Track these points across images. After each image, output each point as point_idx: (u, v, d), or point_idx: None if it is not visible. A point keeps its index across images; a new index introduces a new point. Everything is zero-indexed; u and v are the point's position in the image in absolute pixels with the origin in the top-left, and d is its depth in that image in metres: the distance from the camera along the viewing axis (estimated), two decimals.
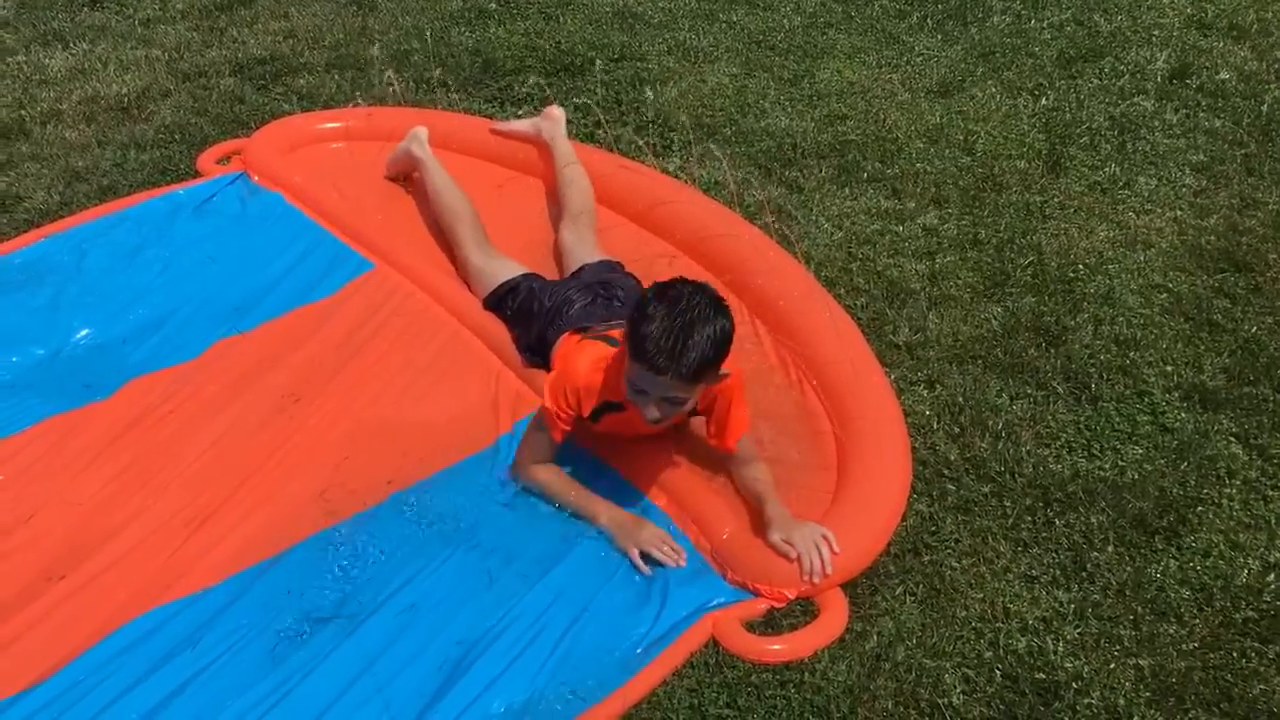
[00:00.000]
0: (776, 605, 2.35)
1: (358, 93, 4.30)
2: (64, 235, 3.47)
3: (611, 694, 2.18)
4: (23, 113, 4.18)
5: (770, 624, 2.32)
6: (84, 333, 3.15)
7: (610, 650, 2.29)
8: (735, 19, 4.85)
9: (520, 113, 4.14)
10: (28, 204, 3.69)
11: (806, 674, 2.20)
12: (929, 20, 4.75)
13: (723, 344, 2.38)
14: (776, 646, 2.26)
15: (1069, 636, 2.26)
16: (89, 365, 3.05)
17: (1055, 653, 2.22)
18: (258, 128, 4.03)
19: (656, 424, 2.46)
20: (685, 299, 2.35)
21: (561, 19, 4.90)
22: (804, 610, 2.34)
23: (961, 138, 3.91)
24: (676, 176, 3.71)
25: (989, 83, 4.25)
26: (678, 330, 2.31)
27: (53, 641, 2.34)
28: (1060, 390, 2.84)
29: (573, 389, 2.54)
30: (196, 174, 3.84)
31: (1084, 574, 2.38)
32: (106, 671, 2.27)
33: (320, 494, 2.66)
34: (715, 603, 2.36)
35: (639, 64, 4.51)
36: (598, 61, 4.46)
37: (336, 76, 4.47)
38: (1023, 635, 2.26)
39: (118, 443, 2.80)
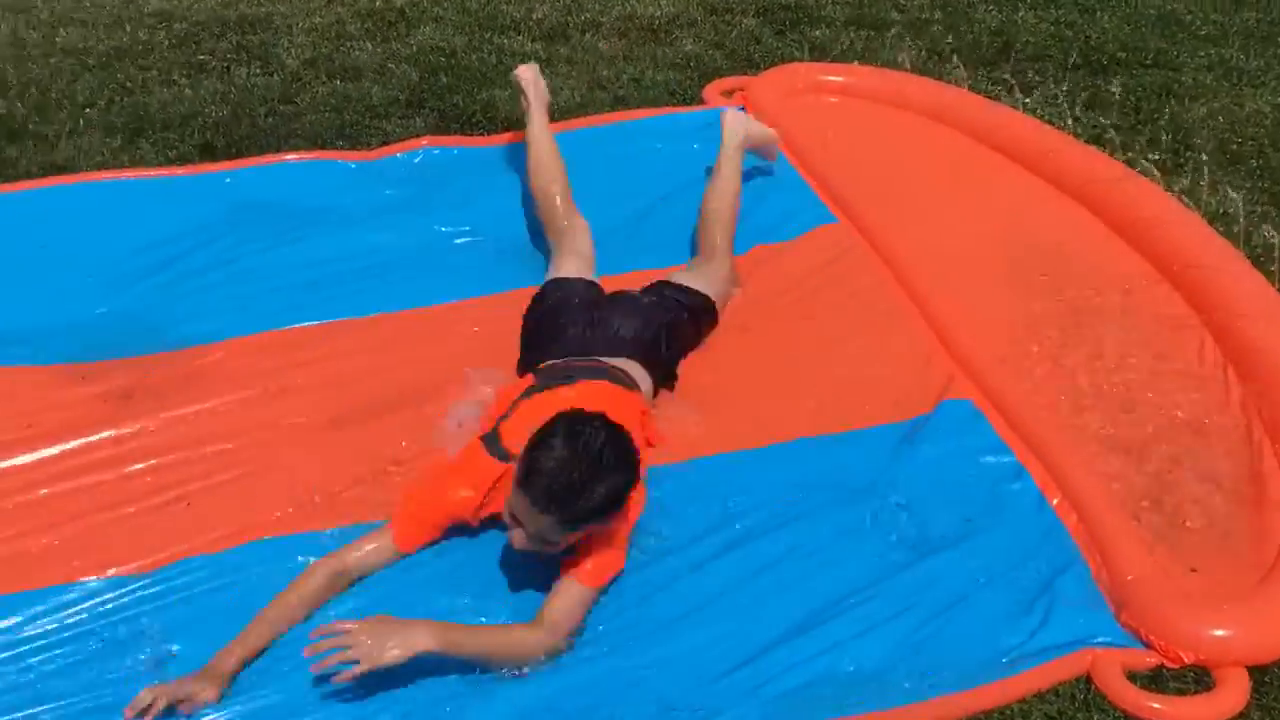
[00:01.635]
0: (1168, 664, 2.16)
1: (868, 53, 4.34)
2: (572, 133, 3.80)
3: (966, 690, 2.12)
4: (568, 19, 4.63)
5: (1155, 680, 2.14)
6: None
7: (975, 649, 2.21)
8: None
9: (1028, 100, 4.00)
10: (554, 100, 4.09)
11: None
12: None
13: (616, 502, 2.15)
14: (1156, 705, 2.08)
15: None
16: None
17: None
18: (766, 69, 4.19)
19: (522, 553, 2.21)
20: (592, 441, 2.10)
21: (1098, 13, 4.64)
22: (1197, 679, 2.13)
23: None
24: (1179, 198, 3.43)
25: None
26: (574, 475, 2.07)
27: None
28: None
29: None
30: (700, 101, 4.06)
31: None
32: None
33: (752, 417, 2.77)
34: (1099, 640, 2.20)
35: (1171, 74, 4.18)
36: (1125, 62, 4.19)
37: (852, 33, 4.54)
38: None
39: None
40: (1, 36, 4.37)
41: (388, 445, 2.64)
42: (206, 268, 3.20)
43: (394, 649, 2.00)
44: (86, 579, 2.32)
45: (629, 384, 2.63)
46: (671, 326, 2.87)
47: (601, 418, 2.18)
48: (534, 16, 4.60)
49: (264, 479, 2.56)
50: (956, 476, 2.61)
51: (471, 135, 3.81)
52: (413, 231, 3.36)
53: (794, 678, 2.16)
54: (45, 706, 2.09)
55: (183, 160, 3.66)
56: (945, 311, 3.05)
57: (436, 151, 3.69)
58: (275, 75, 4.17)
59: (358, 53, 4.33)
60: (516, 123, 3.65)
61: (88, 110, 3.91)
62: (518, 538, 2.18)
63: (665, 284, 3.00)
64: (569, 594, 2.21)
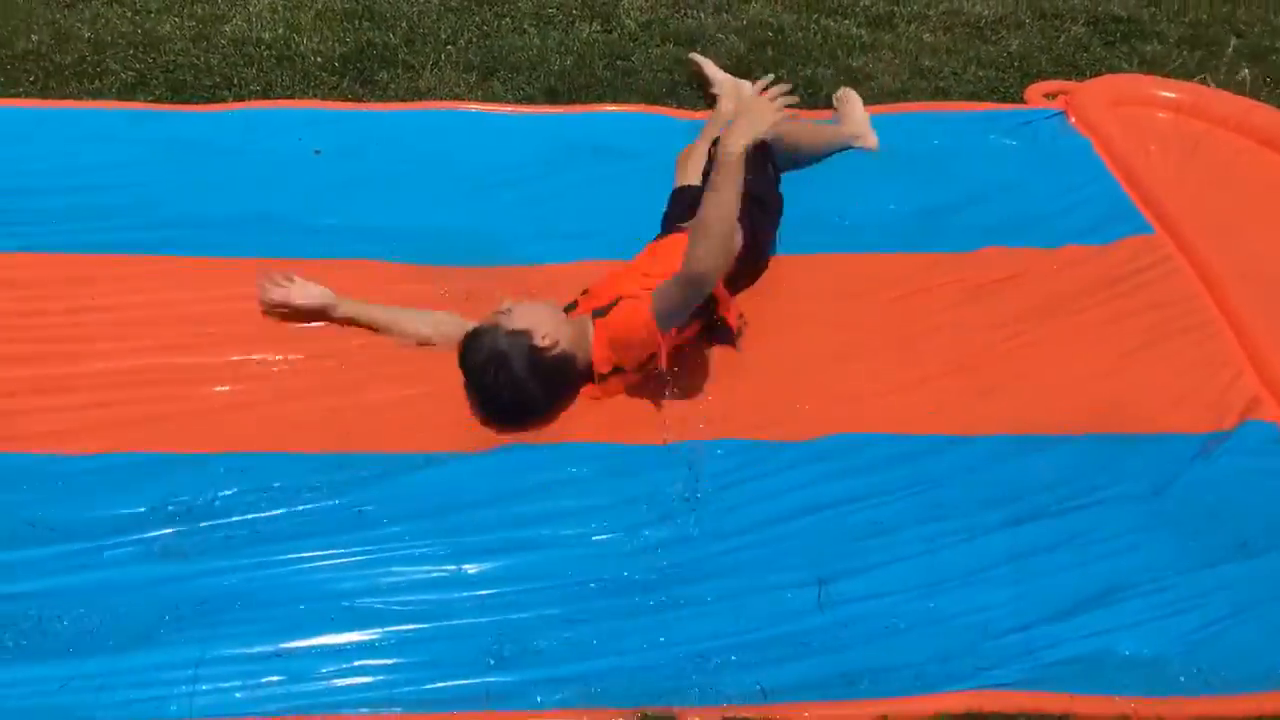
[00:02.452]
0: None
1: (1205, 74, 4.24)
2: (892, 116, 3.91)
3: (1243, 694, 2.13)
4: (895, 9, 4.71)
5: None
6: None
7: (1256, 660, 2.22)
8: None
9: None
10: (873, 84, 4.20)
11: None
12: None
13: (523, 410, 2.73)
14: None
15: None
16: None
17: None
18: (1091, 76, 4.16)
19: None
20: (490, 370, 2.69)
21: None
22: None
23: None
24: None
25: None
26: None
27: None
28: None
29: None
30: (1021, 101, 4.08)
31: None
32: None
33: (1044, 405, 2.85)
34: None
35: None
36: None
37: (1185, 52, 4.42)
38: None
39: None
40: None
41: None
42: (546, 197, 3.50)
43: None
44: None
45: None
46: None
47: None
48: (862, 3, 4.72)
49: None
50: (1249, 495, 2.60)
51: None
52: None
53: (1065, 650, 2.25)
54: None
55: (529, 100, 4.00)
56: (1259, 332, 3.00)
57: None
58: (614, 33, 4.46)
59: (691, 21, 4.57)
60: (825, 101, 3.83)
61: (449, 47, 4.31)
62: None
63: None
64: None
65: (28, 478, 2.54)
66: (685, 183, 3.39)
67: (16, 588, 2.31)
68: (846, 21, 4.60)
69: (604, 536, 2.47)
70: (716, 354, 2.95)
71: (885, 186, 3.57)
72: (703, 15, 4.62)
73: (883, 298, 3.17)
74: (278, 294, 2.97)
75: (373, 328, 2.99)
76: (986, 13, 4.70)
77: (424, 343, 2.95)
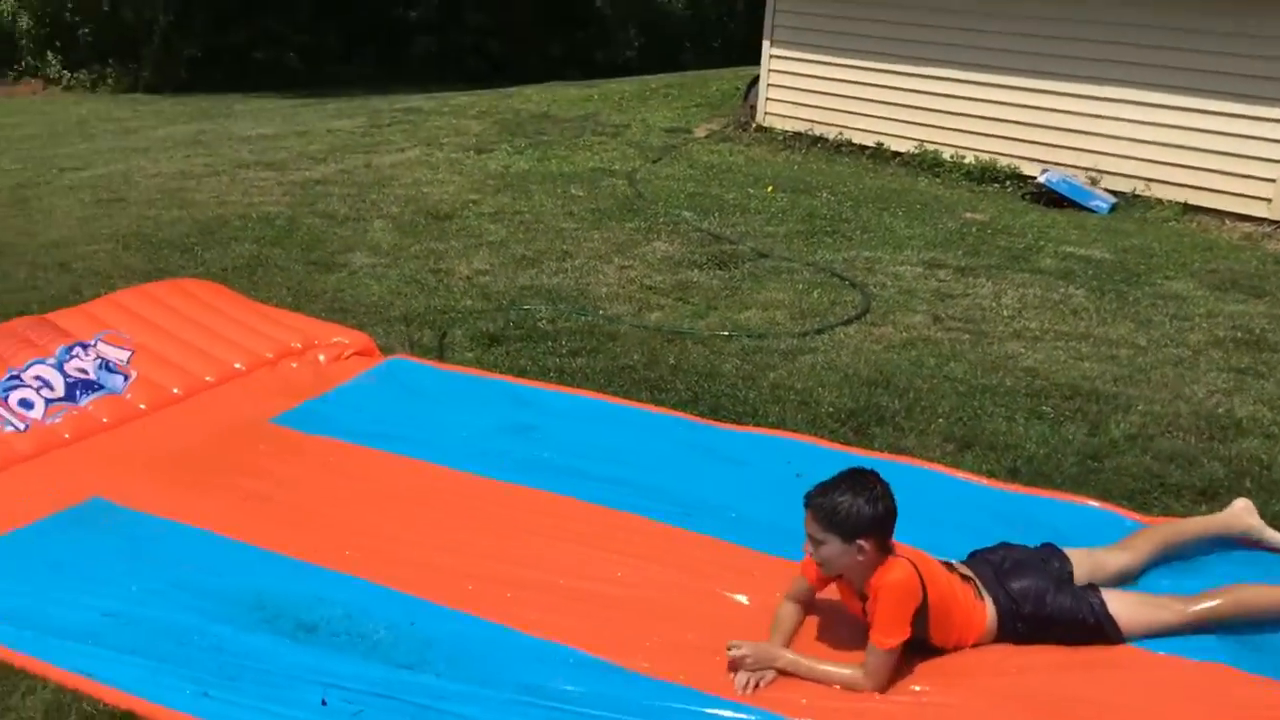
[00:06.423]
0: None
1: None
2: None
3: None
4: None
5: None
6: None
7: None
8: None
9: None
10: None
11: None
12: None
13: (851, 512, 3.18)
14: None
15: None
16: None
17: None
18: None
19: (821, 570, 3.37)
20: (866, 476, 3.27)
21: None
22: None
23: None
24: None
25: None
26: (831, 483, 3.24)
27: None
28: None
29: None
30: None
31: None
32: None
33: None
34: None
35: None
36: None
37: None
38: None
39: None
40: (904, 364, 5.76)
41: None
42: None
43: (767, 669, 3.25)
44: None
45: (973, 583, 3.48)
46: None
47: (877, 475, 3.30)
48: None
49: None
50: None
51: None
52: None
53: None
54: None
55: (990, 475, 4.53)
56: None
57: None
58: (1098, 439, 4.88)
59: (1178, 440, 4.85)
60: None
61: (940, 420, 5.02)
62: (806, 547, 3.33)
63: (1089, 588, 3.48)
64: (871, 655, 3.20)
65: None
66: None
67: None
68: None
69: None
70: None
71: None
72: (1191, 438, 4.88)
73: None
74: (752, 678, 3.27)
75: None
76: None
77: None
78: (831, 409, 5.13)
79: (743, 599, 3.68)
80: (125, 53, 18.03)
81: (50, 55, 17.99)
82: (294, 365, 5.46)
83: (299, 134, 11.90)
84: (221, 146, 11.26)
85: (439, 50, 21.11)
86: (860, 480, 3.26)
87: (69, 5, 17.85)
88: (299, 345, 5.57)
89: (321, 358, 5.53)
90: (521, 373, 5.49)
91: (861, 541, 3.21)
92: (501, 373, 5.46)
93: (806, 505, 3.27)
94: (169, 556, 3.81)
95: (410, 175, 9.72)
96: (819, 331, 6.13)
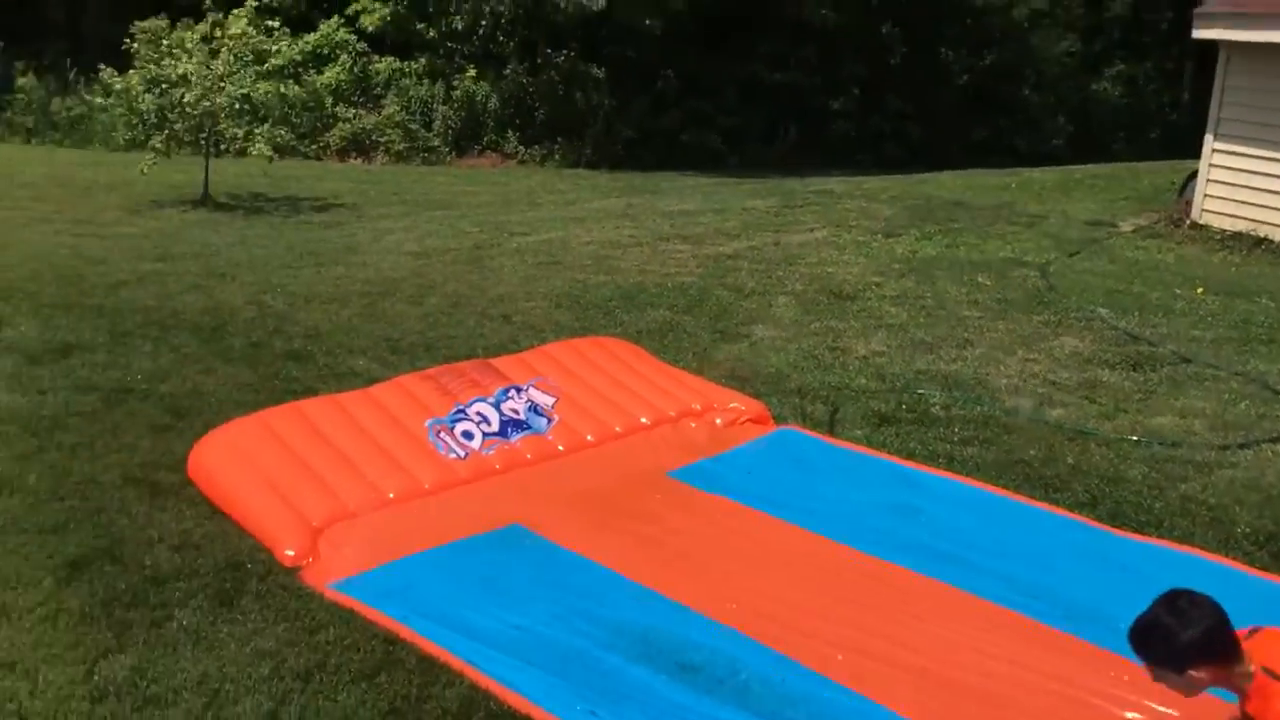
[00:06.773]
0: None
1: None
2: None
3: None
4: None
5: None
6: None
7: None
8: None
9: None
10: None
11: None
12: None
13: (1161, 638, 2.90)
14: None
15: None
16: None
17: None
18: None
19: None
20: (1178, 600, 2.92)
21: None
22: None
23: None
24: None
25: None
26: (1145, 616, 2.96)
27: None
28: None
29: None
30: None
31: None
32: None
33: None
34: None
35: None
36: None
37: None
38: None
39: None
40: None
41: None
42: None
43: None
44: None
45: None
46: None
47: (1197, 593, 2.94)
48: None
49: None
50: None
51: None
52: None
53: None
54: None
55: None
56: None
57: None
58: None
59: None
60: None
61: None
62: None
63: None
64: None
65: None
66: None
67: None
68: None
69: None
70: None
71: None
72: None
73: None
74: None
75: None
76: None
77: None
78: (1249, 529, 4.72)
79: (1135, 717, 3.51)
80: (572, 132, 19.95)
81: (510, 132, 20.18)
82: (693, 425, 5.82)
83: (716, 211, 12.59)
84: (646, 219, 12.15)
85: (857, 134, 21.53)
86: (1173, 606, 2.96)
87: (530, 89, 20.00)
88: (699, 407, 5.93)
89: (718, 420, 5.85)
90: (910, 455, 5.50)
91: (1193, 672, 2.93)
92: (890, 453, 5.50)
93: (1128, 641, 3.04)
94: (571, 584, 4.20)
95: (816, 255, 10.00)
96: (1243, 446, 5.65)
